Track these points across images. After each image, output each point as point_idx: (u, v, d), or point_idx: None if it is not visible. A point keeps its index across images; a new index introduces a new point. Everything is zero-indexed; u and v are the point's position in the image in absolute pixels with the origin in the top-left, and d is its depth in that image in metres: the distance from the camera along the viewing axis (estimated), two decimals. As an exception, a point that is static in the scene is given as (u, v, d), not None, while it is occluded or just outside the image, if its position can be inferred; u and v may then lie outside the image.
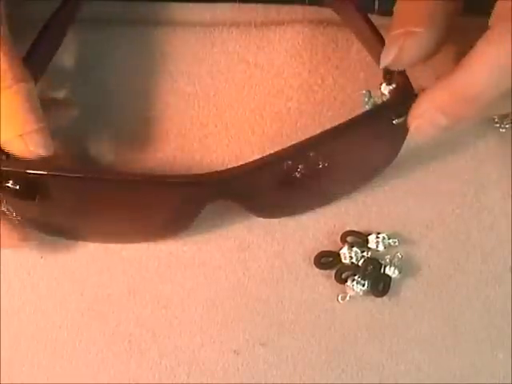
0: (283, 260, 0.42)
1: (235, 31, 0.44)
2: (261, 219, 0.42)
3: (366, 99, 0.39)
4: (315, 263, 0.41)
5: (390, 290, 0.41)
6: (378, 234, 0.42)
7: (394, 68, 0.36)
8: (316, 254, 0.42)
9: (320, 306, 0.41)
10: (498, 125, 0.44)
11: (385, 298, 0.41)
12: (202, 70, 0.44)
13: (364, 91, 0.39)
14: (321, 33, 0.44)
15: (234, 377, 0.40)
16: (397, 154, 0.41)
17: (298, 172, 0.38)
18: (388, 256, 0.42)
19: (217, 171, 0.36)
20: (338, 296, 0.41)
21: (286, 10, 0.44)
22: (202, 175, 0.36)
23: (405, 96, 0.36)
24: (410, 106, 0.35)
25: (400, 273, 0.41)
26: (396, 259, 0.42)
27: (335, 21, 0.44)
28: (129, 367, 0.40)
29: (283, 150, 0.36)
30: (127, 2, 0.44)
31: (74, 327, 0.40)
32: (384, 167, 0.42)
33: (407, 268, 0.42)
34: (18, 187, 0.34)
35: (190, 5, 0.44)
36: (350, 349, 0.41)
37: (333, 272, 0.41)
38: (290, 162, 0.37)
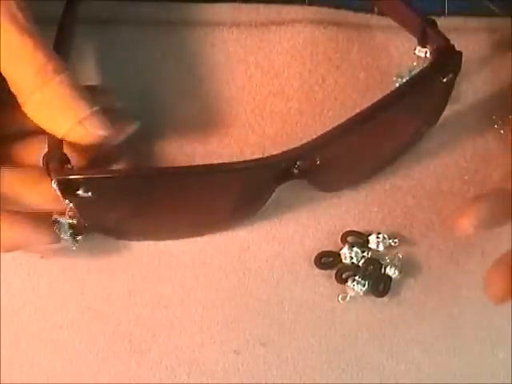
0: (283, 260, 0.42)
1: (235, 31, 0.44)
2: (261, 219, 0.42)
3: (400, 79, 0.41)
4: (315, 263, 0.41)
5: (391, 290, 0.41)
6: (379, 234, 0.42)
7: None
8: (316, 254, 0.42)
9: (320, 306, 0.41)
10: (497, 126, 0.44)
11: (385, 298, 0.41)
12: (201, 70, 0.44)
13: (395, 78, 0.41)
14: (321, 33, 0.44)
15: (234, 377, 0.40)
16: (441, 113, 0.42)
17: (361, 140, 0.38)
18: (388, 256, 0.42)
19: (285, 151, 0.36)
20: (338, 296, 0.41)
21: (286, 10, 0.44)
22: (273, 156, 0.36)
23: (448, 54, 0.38)
24: (457, 63, 0.37)
25: (400, 273, 0.41)
26: (396, 259, 0.42)
27: (335, 21, 0.44)
28: (129, 367, 0.40)
29: (350, 120, 0.36)
30: (127, 2, 0.44)
31: (74, 327, 0.40)
32: (429, 128, 0.43)
33: (407, 268, 0.42)
34: (89, 194, 0.34)
35: (190, 5, 0.44)
36: (350, 349, 0.41)
37: (333, 272, 0.41)
38: (356, 131, 0.37)
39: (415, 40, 0.41)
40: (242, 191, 0.38)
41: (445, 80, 0.38)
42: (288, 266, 0.42)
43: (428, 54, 0.40)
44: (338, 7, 0.45)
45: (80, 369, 0.40)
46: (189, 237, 0.41)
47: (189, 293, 0.41)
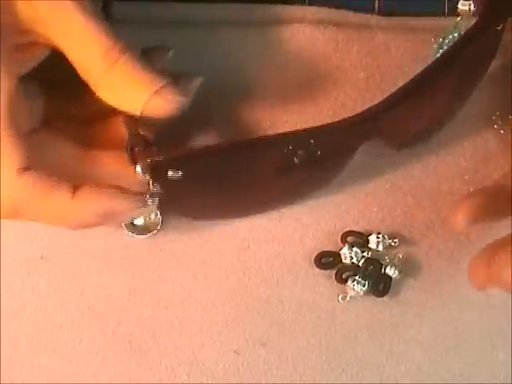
0: (283, 260, 0.42)
1: (235, 31, 0.44)
2: (261, 219, 0.42)
3: (441, 40, 0.41)
4: (315, 263, 0.41)
5: (391, 290, 0.41)
6: (379, 234, 0.42)
7: None
8: (316, 254, 0.42)
9: (320, 306, 0.41)
10: (497, 126, 0.44)
11: (385, 298, 0.41)
12: (201, 70, 0.44)
13: (434, 45, 0.41)
14: (321, 33, 0.44)
15: (234, 377, 0.40)
16: (491, 63, 0.42)
17: (430, 94, 0.38)
18: (388, 256, 0.42)
19: (362, 112, 0.36)
20: (338, 296, 0.41)
21: (286, 10, 0.44)
22: (353, 116, 0.36)
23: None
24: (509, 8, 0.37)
25: (400, 273, 0.41)
26: (396, 259, 0.42)
27: (335, 21, 0.44)
28: (129, 367, 0.40)
29: (421, 74, 0.36)
30: (127, 2, 0.44)
31: (74, 327, 0.40)
32: (484, 74, 0.42)
33: (407, 268, 0.42)
34: (180, 174, 0.34)
35: (190, 4, 0.44)
36: (350, 349, 0.41)
37: (333, 272, 0.41)
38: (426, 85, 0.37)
39: (415, 40, 0.40)
40: (325, 155, 0.38)
41: (499, 28, 0.38)
42: (288, 266, 0.42)
43: (472, 7, 0.39)
44: (337, 7, 0.44)
45: (80, 369, 0.40)
46: (267, 210, 0.42)
47: (189, 293, 0.41)
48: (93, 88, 0.34)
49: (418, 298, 0.42)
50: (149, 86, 0.34)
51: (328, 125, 0.36)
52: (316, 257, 0.41)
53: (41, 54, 0.35)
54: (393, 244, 0.42)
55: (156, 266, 0.41)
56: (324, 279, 0.42)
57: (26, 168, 0.33)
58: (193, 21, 0.44)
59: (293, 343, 0.41)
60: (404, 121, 0.39)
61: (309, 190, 0.42)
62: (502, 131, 0.44)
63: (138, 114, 0.34)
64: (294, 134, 0.36)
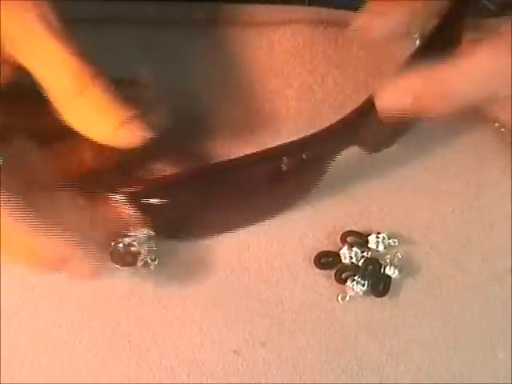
0: (283, 260, 0.42)
1: (235, 31, 0.44)
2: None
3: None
4: (315, 263, 0.41)
5: (390, 290, 0.41)
6: (378, 234, 0.42)
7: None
8: (316, 254, 0.42)
9: (320, 306, 0.41)
10: (497, 125, 0.44)
11: (385, 298, 0.41)
12: (201, 69, 0.44)
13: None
14: (321, 33, 0.44)
15: (234, 377, 0.40)
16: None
17: None
18: (388, 256, 0.42)
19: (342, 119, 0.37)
20: (337, 296, 0.41)
21: (286, 10, 0.44)
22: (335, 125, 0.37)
23: None
24: None
25: (400, 273, 0.41)
26: (396, 259, 0.42)
27: (335, 21, 0.44)
28: (129, 367, 0.40)
29: None
30: (127, 2, 0.44)
31: (73, 327, 0.40)
32: None
33: (407, 268, 0.42)
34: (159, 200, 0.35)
35: (190, 4, 0.44)
36: (350, 349, 0.41)
37: (333, 272, 0.41)
38: None
39: (415, 40, 0.40)
40: (311, 159, 0.38)
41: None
42: (288, 266, 0.42)
43: None
44: (337, 7, 0.45)
45: (80, 369, 0.40)
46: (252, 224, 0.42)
47: (189, 293, 0.41)
48: (60, 111, 0.33)
49: (418, 297, 0.42)
50: (116, 115, 0.33)
51: (312, 136, 0.37)
52: (315, 257, 0.41)
53: (7, 75, 0.34)
54: (392, 244, 0.42)
55: (156, 265, 0.41)
56: (323, 279, 0.42)
57: None
58: (192, 21, 0.44)
59: (292, 343, 0.41)
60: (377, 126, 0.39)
61: (299, 194, 0.42)
62: (502, 129, 0.44)
63: (105, 142, 0.34)
64: (280, 147, 0.37)
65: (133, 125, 0.34)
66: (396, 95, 0.35)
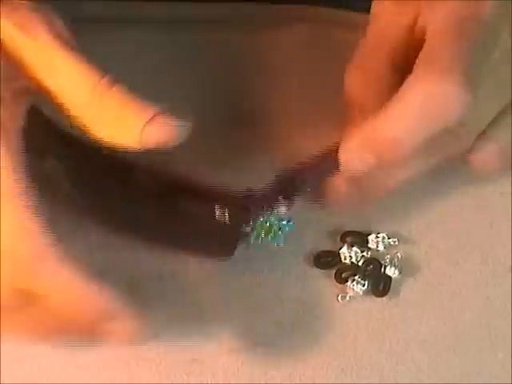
0: (283, 260, 0.42)
1: (234, 31, 0.44)
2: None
3: None
4: (315, 263, 0.41)
5: (390, 290, 0.41)
6: (378, 233, 0.42)
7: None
8: (316, 253, 0.42)
9: (320, 305, 0.41)
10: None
11: (384, 297, 0.41)
12: (201, 69, 0.44)
13: None
14: (321, 33, 0.44)
15: (234, 377, 0.40)
16: None
17: None
18: (388, 256, 0.42)
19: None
20: (337, 296, 0.41)
21: (286, 10, 0.44)
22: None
23: None
24: None
25: (400, 273, 0.41)
26: (396, 259, 0.42)
27: (335, 21, 0.44)
28: (129, 367, 0.40)
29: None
30: (127, 2, 0.44)
31: (73, 327, 0.40)
32: None
33: (407, 268, 0.42)
34: None
35: (190, 4, 0.44)
36: (349, 349, 0.41)
37: (333, 272, 0.41)
38: None
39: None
40: None
41: None
42: (288, 266, 0.42)
43: None
44: (337, 7, 0.45)
45: (80, 369, 0.40)
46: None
47: (188, 292, 0.41)
48: (83, 124, 0.33)
49: (418, 297, 0.42)
50: (141, 114, 0.32)
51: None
52: (315, 256, 0.41)
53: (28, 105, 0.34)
54: (392, 244, 0.42)
55: (155, 264, 0.41)
56: (323, 279, 0.42)
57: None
58: (192, 21, 0.44)
59: (292, 343, 0.41)
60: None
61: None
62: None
63: (136, 146, 0.32)
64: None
65: (159, 120, 0.32)
66: (356, 155, 0.35)
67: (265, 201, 0.37)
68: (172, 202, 0.37)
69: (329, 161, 0.37)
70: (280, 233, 0.39)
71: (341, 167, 0.36)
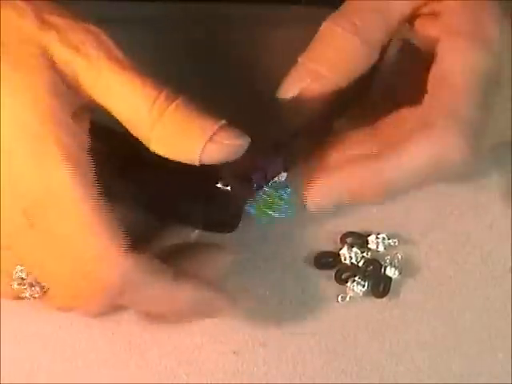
0: (283, 260, 0.42)
1: (234, 31, 0.44)
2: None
3: None
4: (315, 264, 0.42)
5: (390, 291, 0.41)
6: (378, 234, 0.42)
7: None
8: (316, 254, 0.42)
9: (320, 306, 0.41)
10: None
11: (385, 298, 0.41)
12: (201, 69, 0.44)
13: None
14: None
15: (234, 377, 0.40)
16: None
17: None
18: (388, 257, 0.42)
19: None
20: (338, 297, 0.41)
21: (283, 10, 0.44)
22: None
23: None
24: None
25: (400, 273, 0.41)
26: (396, 260, 0.42)
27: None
28: (128, 367, 0.40)
29: None
30: (127, 2, 0.44)
31: (73, 327, 0.40)
32: None
33: (407, 269, 0.42)
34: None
35: (189, 4, 0.44)
36: (349, 349, 0.41)
37: (333, 272, 0.41)
38: None
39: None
40: None
41: None
42: (288, 266, 0.42)
43: None
44: (335, 7, 0.44)
45: (80, 369, 0.40)
46: None
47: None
48: (146, 144, 0.32)
49: (418, 298, 0.42)
50: (202, 132, 0.32)
51: None
52: (316, 257, 0.41)
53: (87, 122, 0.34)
54: (392, 244, 0.42)
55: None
56: (324, 280, 0.42)
57: (134, 248, 0.32)
58: (192, 20, 0.44)
59: (292, 344, 0.41)
60: None
61: None
62: None
63: (196, 163, 0.32)
64: None
65: (220, 138, 0.32)
66: (330, 191, 0.35)
67: (265, 168, 0.37)
68: (177, 175, 0.37)
69: (322, 121, 0.37)
70: (282, 202, 0.39)
71: (307, 200, 0.36)
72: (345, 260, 0.41)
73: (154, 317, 0.39)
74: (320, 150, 0.37)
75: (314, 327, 0.41)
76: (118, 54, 0.32)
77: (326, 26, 0.36)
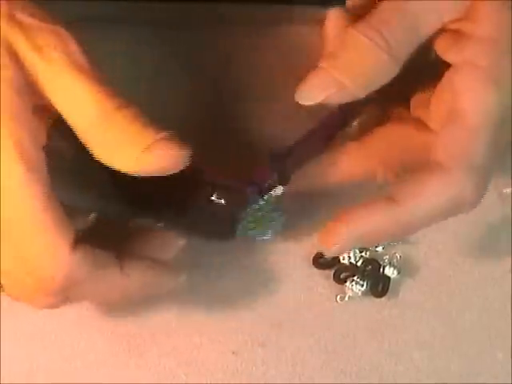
0: (282, 260, 0.42)
1: (233, 31, 0.44)
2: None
3: None
4: (314, 263, 0.41)
5: (389, 291, 0.41)
6: (377, 234, 0.42)
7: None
8: (315, 254, 0.41)
9: (319, 306, 0.41)
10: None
11: (383, 298, 0.41)
12: (200, 69, 0.44)
13: None
14: (318, 33, 0.44)
15: (233, 377, 0.40)
16: None
17: None
18: (387, 256, 0.42)
19: None
20: (336, 296, 0.41)
21: (282, 10, 0.44)
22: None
23: None
24: None
25: (399, 273, 0.41)
26: (395, 259, 0.42)
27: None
28: (128, 367, 0.40)
29: None
30: (127, 2, 0.44)
31: (72, 328, 0.41)
32: None
33: (406, 268, 0.42)
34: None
35: (187, 5, 0.44)
36: (348, 349, 0.41)
37: (331, 272, 0.41)
38: None
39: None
40: None
41: None
42: (286, 266, 0.42)
43: None
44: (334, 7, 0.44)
45: (79, 369, 0.40)
46: None
47: (187, 293, 0.41)
48: (91, 149, 0.32)
49: (417, 298, 0.42)
50: (139, 141, 0.31)
51: None
52: (314, 257, 0.41)
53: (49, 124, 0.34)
54: (391, 244, 0.42)
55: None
56: (322, 279, 0.42)
57: (77, 243, 0.32)
58: (190, 21, 0.44)
59: (291, 344, 0.41)
60: None
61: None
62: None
63: (132, 173, 0.32)
64: None
65: (159, 147, 0.32)
66: (347, 240, 0.35)
67: (260, 181, 0.37)
68: (171, 183, 0.37)
69: (318, 135, 0.37)
70: (272, 224, 0.39)
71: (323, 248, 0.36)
72: (343, 260, 0.41)
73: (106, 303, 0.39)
74: (316, 167, 0.38)
75: (313, 327, 0.41)
76: (81, 58, 0.32)
77: (351, 34, 0.35)
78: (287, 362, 0.41)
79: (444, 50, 0.36)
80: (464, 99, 0.34)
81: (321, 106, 0.36)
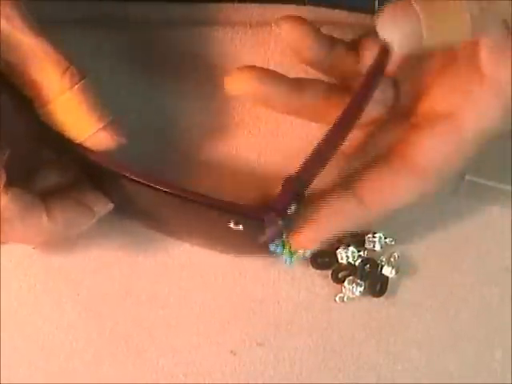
0: (280, 260, 0.42)
1: (231, 31, 0.44)
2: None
3: None
4: (312, 263, 0.41)
5: (387, 290, 0.41)
6: (375, 233, 0.42)
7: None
8: (312, 253, 0.41)
9: (317, 306, 0.41)
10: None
11: (381, 297, 0.41)
12: (199, 70, 0.44)
13: None
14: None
15: (231, 377, 0.40)
16: None
17: None
18: (385, 256, 0.42)
19: None
20: (334, 296, 0.41)
21: (282, 10, 0.44)
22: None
23: None
24: None
25: (397, 273, 0.41)
26: (393, 259, 0.42)
27: (332, 21, 0.44)
28: (126, 367, 0.40)
29: None
30: (127, 2, 0.44)
31: (70, 328, 0.41)
32: None
33: (404, 268, 0.42)
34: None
35: (187, 5, 0.44)
36: (347, 349, 0.41)
37: (329, 272, 0.41)
38: None
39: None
40: None
41: None
42: (284, 266, 0.42)
43: None
44: (334, 7, 0.44)
45: (77, 369, 0.40)
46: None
47: (185, 293, 0.41)
48: (44, 105, 0.34)
49: (415, 297, 0.42)
50: (99, 118, 0.34)
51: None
52: (312, 257, 0.41)
53: None
54: (389, 243, 0.42)
55: (152, 266, 0.41)
56: (320, 279, 0.42)
57: (9, 185, 0.33)
58: (188, 21, 0.44)
59: (289, 343, 0.41)
60: None
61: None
62: None
63: (83, 142, 0.34)
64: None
65: (110, 130, 0.35)
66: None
67: (276, 205, 0.37)
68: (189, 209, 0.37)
69: (325, 150, 0.37)
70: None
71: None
72: (341, 259, 0.41)
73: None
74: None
75: (311, 327, 0.41)
76: (31, 18, 0.33)
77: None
78: (285, 361, 0.41)
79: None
80: (470, 112, 0.35)
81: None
